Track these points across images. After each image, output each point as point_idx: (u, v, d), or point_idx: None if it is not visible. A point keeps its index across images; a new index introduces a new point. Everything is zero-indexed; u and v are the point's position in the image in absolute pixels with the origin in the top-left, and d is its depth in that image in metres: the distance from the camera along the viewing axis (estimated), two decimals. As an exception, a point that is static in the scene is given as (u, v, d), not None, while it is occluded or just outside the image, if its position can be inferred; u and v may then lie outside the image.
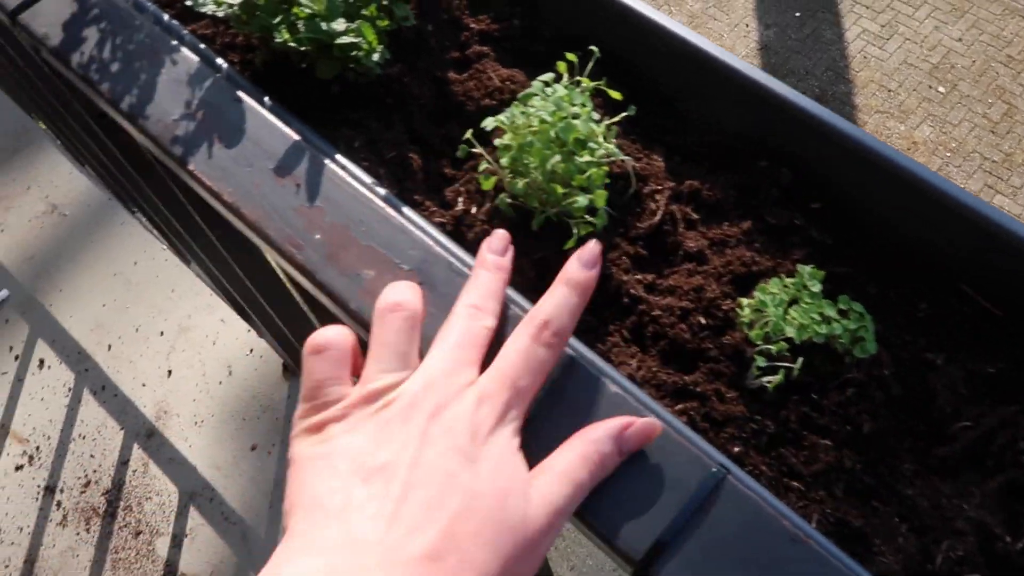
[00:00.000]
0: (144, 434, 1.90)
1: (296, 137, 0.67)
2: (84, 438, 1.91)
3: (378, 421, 0.49)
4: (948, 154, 4.20)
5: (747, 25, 4.85)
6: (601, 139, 0.68)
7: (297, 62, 0.75)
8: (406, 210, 0.64)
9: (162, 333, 1.96)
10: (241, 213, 0.64)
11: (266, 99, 0.72)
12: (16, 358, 1.96)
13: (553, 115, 0.67)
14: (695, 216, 0.70)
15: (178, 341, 1.94)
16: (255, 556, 1.72)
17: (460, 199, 0.71)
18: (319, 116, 0.74)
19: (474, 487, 0.46)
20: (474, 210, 0.71)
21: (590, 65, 0.72)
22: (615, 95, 0.72)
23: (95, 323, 2.02)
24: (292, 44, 0.71)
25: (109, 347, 1.97)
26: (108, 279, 2.01)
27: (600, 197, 0.66)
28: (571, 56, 0.73)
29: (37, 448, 1.91)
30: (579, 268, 0.55)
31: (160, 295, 1.99)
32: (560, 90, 0.68)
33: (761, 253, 0.67)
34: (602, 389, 0.53)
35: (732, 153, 0.72)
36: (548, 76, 0.70)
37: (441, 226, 0.70)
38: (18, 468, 1.88)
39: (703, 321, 0.65)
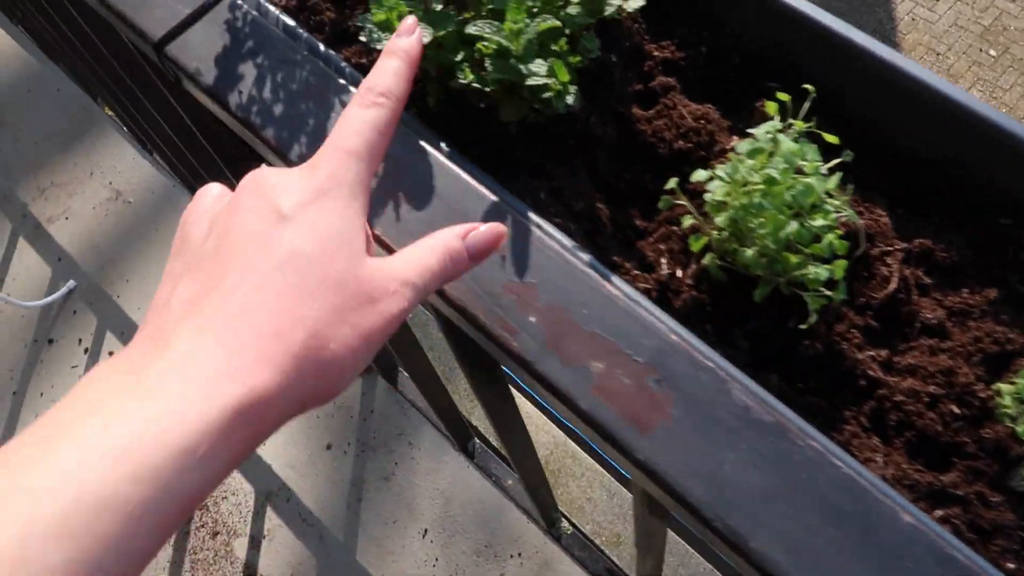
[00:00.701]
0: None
1: (493, 198, 0.59)
2: (159, 435, 1.85)
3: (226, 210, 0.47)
4: (999, 121, 4.04)
5: (791, -14, 4.65)
6: (833, 198, 0.59)
7: (475, 101, 0.66)
8: (618, 282, 0.56)
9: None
10: (443, 291, 0.56)
11: (443, 145, 0.64)
12: (86, 351, 1.90)
13: (783, 173, 0.58)
14: (928, 280, 0.62)
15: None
16: (334, 559, 1.67)
17: (663, 260, 0.63)
18: (496, 160, 0.66)
19: (290, 242, 0.44)
20: (679, 273, 0.63)
21: (806, 106, 0.64)
22: (831, 139, 0.64)
23: (165, 314, 1.94)
24: (476, 85, 0.63)
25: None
26: (176, 267, 1.93)
27: (840, 268, 0.58)
28: (783, 96, 0.64)
29: (111, 445, 1.85)
30: (395, 39, 0.53)
31: (230, 284, 1.91)
32: (787, 143, 0.60)
33: (1012, 327, 0.59)
34: (865, 498, 0.46)
35: (967, 206, 0.64)
36: (771, 125, 0.61)
37: (646, 292, 0.62)
38: (92, 465, 1.82)
39: (956, 410, 0.57)
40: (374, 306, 0.44)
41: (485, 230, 0.50)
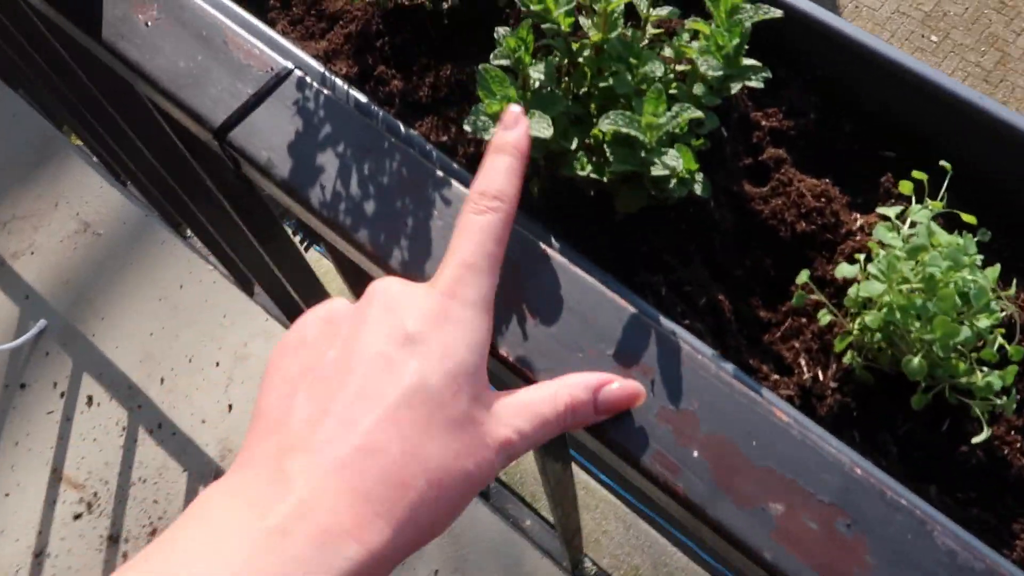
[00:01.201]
0: (211, 475, 1.75)
1: (631, 309, 0.52)
2: (145, 481, 1.75)
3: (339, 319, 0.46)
4: (944, 106, 4.09)
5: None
6: (996, 293, 0.54)
7: (585, 189, 0.59)
8: (785, 407, 0.50)
9: (218, 364, 1.78)
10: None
11: (554, 241, 0.57)
12: (62, 395, 1.77)
13: (947, 272, 0.53)
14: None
15: (236, 371, 1.77)
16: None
17: (802, 361, 0.57)
18: (609, 251, 0.59)
19: (417, 371, 0.42)
20: (821, 374, 0.57)
21: (944, 186, 0.58)
22: (969, 219, 0.59)
23: (144, 354, 1.84)
24: (593, 176, 0.56)
25: (162, 380, 1.79)
26: (153, 304, 1.82)
27: (1011, 374, 0.52)
28: (919, 175, 0.58)
29: (95, 494, 1.75)
30: (502, 132, 0.51)
31: (212, 321, 1.81)
32: (944, 234, 0.54)
33: None
34: None
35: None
36: (921, 215, 0.55)
37: (789, 399, 0.56)
38: (77, 517, 1.72)
39: None
40: (487, 453, 0.42)
41: (620, 389, 0.47)
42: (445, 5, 0.67)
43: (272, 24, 0.71)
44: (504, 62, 0.55)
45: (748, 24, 0.52)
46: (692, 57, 0.57)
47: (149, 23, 0.64)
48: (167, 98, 0.62)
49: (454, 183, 0.57)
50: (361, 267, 0.59)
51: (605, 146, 0.55)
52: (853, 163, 0.64)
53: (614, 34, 0.58)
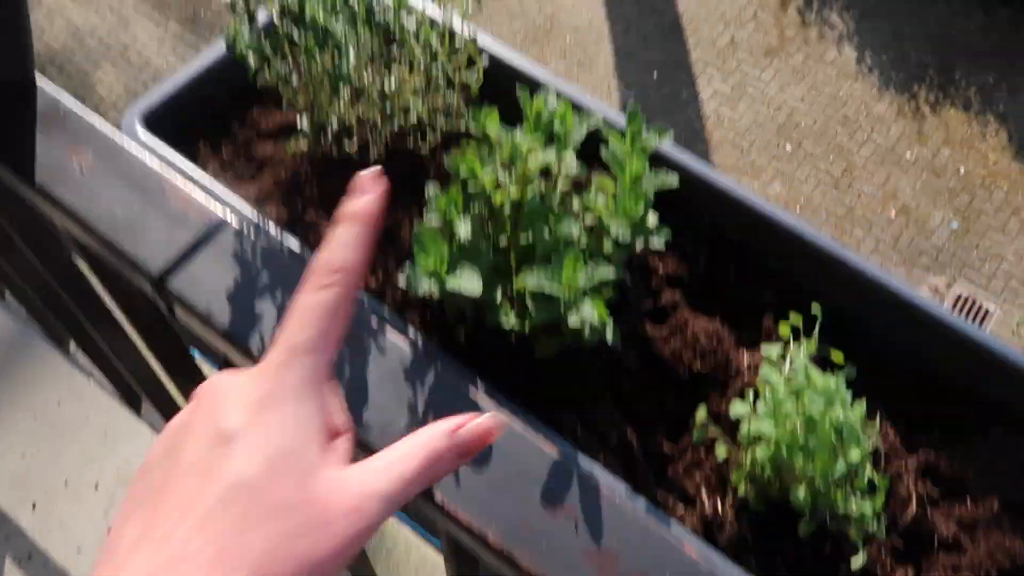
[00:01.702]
0: (88, 601, 1.65)
1: (555, 455, 0.57)
2: (16, 611, 1.64)
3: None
4: (798, 208, 4.43)
5: (609, 85, 4.95)
6: (862, 428, 0.62)
7: (508, 336, 0.65)
8: (677, 528, 0.56)
9: (97, 486, 1.71)
10: (515, 560, 0.53)
11: (480, 383, 0.61)
12: (-74, 516, 1.66)
13: (823, 412, 0.60)
14: (936, 493, 0.66)
15: (118, 493, 1.70)
16: None
17: (703, 493, 0.64)
18: (527, 392, 0.65)
19: (234, 470, 0.40)
20: (720, 505, 0.63)
21: (816, 330, 0.67)
22: (838, 358, 0.67)
23: (14, 478, 1.75)
24: (515, 327, 0.61)
25: (34, 506, 1.71)
26: (27, 423, 1.74)
27: (879, 501, 0.60)
28: (795, 318, 0.67)
29: (-41, 626, 1.62)
30: (351, 201, 0.48)
31: (92, 440, 1.74)
32: (819, 377, 0.62)
33: (1014, 536, 0.64)
34: None
35: (963, 417, 0.69)
36: (801, 360, 0.63)
37: (693, 529, 0.62)
38: (-64, 650, 1.59)
39: (988, 630, 0.60)
40: (329, 528, 0.40)
41: (476, 427, 0.46)
42: (371, 157, 0.72)
43: (204, 166, 0.74)
44: (435, 220, 0.61)
45: (651, 194, 0.59)
46: (600, 215, 0.64)
47: (84, 169, 0.67)
48: (104, 246, 0.64)
49: (388, 330, 0.61)
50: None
51: (527, 298, 0.61)
52: (739, 304, 0.72)
53: (531, 192, 0.65)
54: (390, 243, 0.71)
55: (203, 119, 0.77)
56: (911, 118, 4.84)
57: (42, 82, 0.71)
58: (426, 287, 0.59)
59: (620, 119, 0.74)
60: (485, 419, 0.46)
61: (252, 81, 0.65)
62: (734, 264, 0.73)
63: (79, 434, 1.74)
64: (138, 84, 4.24)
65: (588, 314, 0.59)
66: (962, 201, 4.43)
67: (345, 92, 0.63)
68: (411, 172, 0.73)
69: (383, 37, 0.63)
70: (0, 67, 0.68)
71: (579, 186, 0.74)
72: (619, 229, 0.59)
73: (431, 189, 0.63)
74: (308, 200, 0.72)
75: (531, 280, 0.57)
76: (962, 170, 4.55)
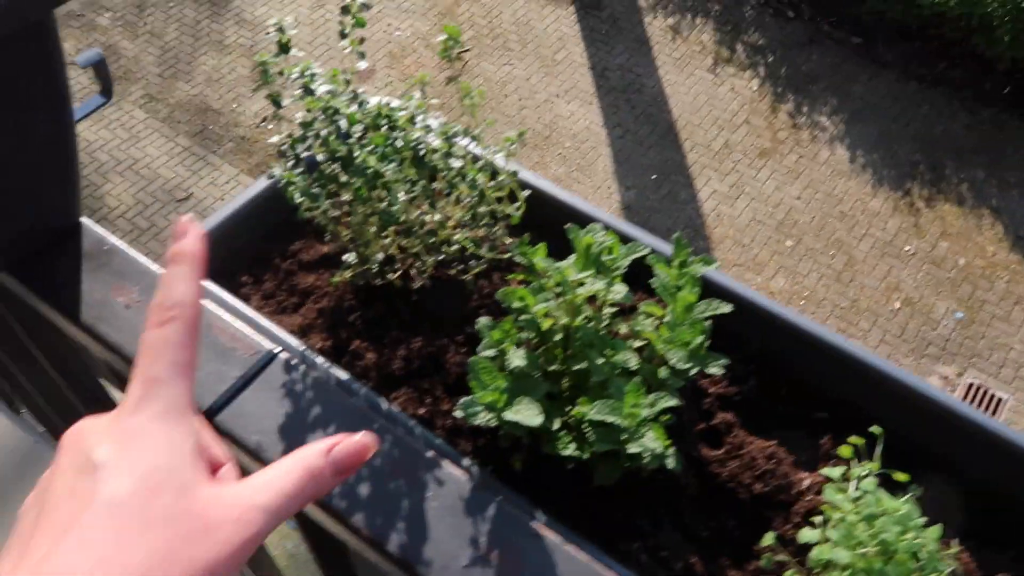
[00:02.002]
0: None
1: (623, 588, 0.55)
2: None
3: None
4: (802, 302, 4.45)
5: (609, 187, 5.04)
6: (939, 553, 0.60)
7: (565, 462, 0.63)
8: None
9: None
10: None
11: (539, 515, 0.60)
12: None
13: (898, 537, 0.58)
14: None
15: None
16: None
17: (775, 624, 0.61)
18: (587, 519, 0.63)
19: (107, 490, 0.41)
20: (791, 634, 0.61)
21: (878, 451, 0.65)
22: (902, 477, 0.65)
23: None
24: (575, 454, 0.60)
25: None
26: None
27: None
28: (855, 440, 0.65)
29: None
30: (176, 245, 0.50)
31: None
32: (890, 501, 0.60)
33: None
34: None
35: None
36: (870, 483, 0.62)
37: (766, 663, 0.59)
38: None
39: None
40: (212, 535, 0.41)
41: (351, 444, 0.47)
42: (415, 286, 0.72)
43: (247, 299, 0.74)
44: (490, 353, 0.60)
45: (708, 323, 0.59)
46: (653, 342, 0.64)
47: (129, 306, 0.66)
48: (150, 381, 0.63)
49: (444, 463, 0.59)
50: (346, 545, 0.60)
51: (585, 426, 0.60)
52: (793, 423, 0.71)
53: (580, 319, 0.65)
54: (436, 370, 0.70)
55: (245, 252, 0.77)
56: (907, 213, 4.91)
57: (87, 221, 0.72)
58: (484, 419, 0.58)
59: (659, 245, 0.74)
60: (360, 436, 0.47)
61: (295, 217, 0.66)
62: (785, 384, 0.72)
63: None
64: (147, 195, 4.30)
65: (651, 444, 0.58)
66: (964, 291, 4.45)
67: (391, 228, 0.63)
68: (454, 299, 0.72)
69: (429, 176, 0.64)
70: (51, 213, 0.68)
71: (625, 310, 0.74)
72: (677, 357, 0.58)
73: (482, 321, 0.62)
74: (352, 329, 0.72)
75: (594, 411, 0.56)
76: (961, 261, 4.58)
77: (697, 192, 5.02)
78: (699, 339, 0.58)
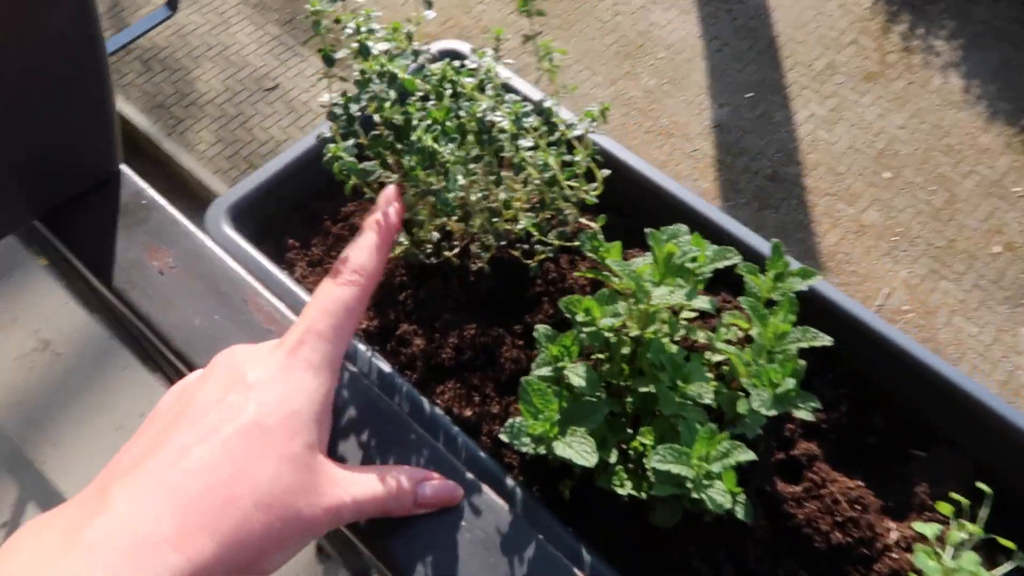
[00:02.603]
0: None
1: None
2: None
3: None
4: (895, 238, 4.23)
5: (700, 103, 4.81)
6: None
7: (618, 496, 0.56)
8: None
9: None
10: None
11: (585, 553, 0.53)
12: (4, 526, 1.67)
13: (995, 625, 0.50)
14: None
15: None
16: None
17: None
18: (639, 556, 0.56)
19: (255, 412, 0.43)
20: None
21: (985, 511, 0.56)
22: (1008, 544, 0.56)
23: (96, 487, 1.72)
24: (632, 492, 0.53)
25: (114, 516, 1.67)
26: (109, 434, 1.73)
27: None
28: (958, 498, 0.56)
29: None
30: (377, 211, 0.53)
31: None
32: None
33: None
34: None
35: None
36: (971, 561, 0.53)
37: None
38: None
39: None
40: (317, 500, 0.43)
41: (440, 488, 0.49)
42: (474, 267, 0.64)
43: (291, 266, 0.68)
44: (545, 371, 0.52)
45: (802, 363, 0.50)
46: (737, 371, 0.55)
47: (163, 271, 0.61)
48: (179, 358, 0.57)
49: (484, 489, 0.53)
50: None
51: (646, 465, 0.52)
52: (885, 460, 0.62)
53: (652, 329, 0.56)
54: (488, 363, 0.63)
55: (294, 212, 0.70)
56: (1020, 151, 4.58)
57: (127, 170, 0.66)
58: (530, 449, 0.51)
59: (756, 242, 0.65)
60: (446, 485, 0.50)
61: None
62: (881, 414, 0.63)
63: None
64: (235, 82, 4.27)
65: (719, 497, 0.50)
66: (1073, 242, 4.17)
67: (454, 202, 0.55)
68: (515, 283, 0.65)
69: (494, 152, 0.55)
70: (86, 160, 0.62)
71: (706, 316, 0.65)
72: (760, 400, 0.50)
73: (540, 330, 0.54)
74: (401, 309, 0.65)
75: (657, 458, 0.49)
76: (1074, 209, 4.27)
77: (794, 114, 4.76)
78: (790, 382, 0.49)
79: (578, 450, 0.49)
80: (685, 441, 0.50)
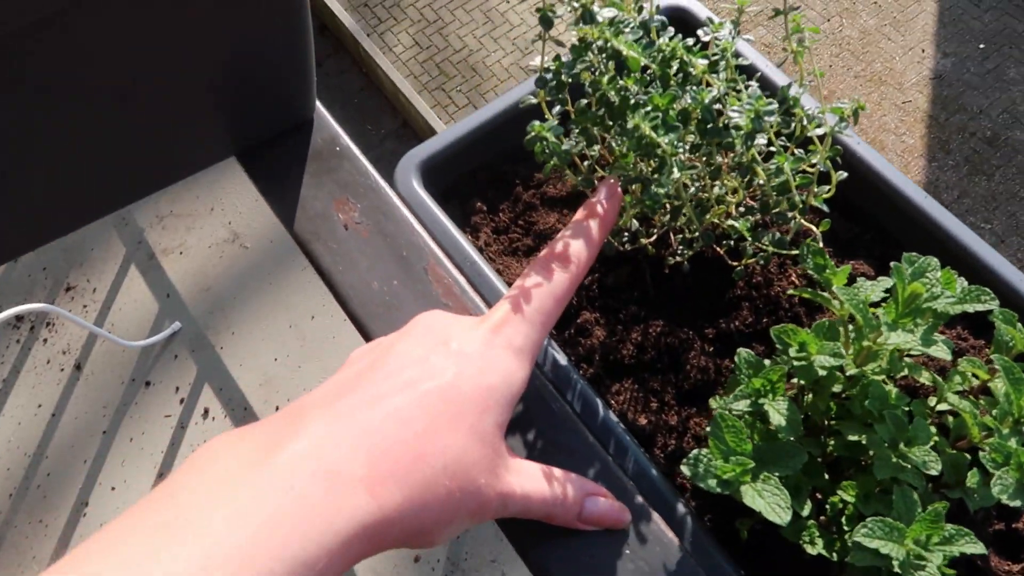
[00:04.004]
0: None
1: None
2: (245, 507, 1.72)
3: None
4: None
5: (923, 51, 4.38)
6: None
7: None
8: None
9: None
10: None
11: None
12: (181, 401, 1.78)
13: None
14: None
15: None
16: None
17: None
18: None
19: (455, 376, 0.42)
20: None
21: None
22: None
23: (264, 378, 1.82)
24: (822, 552, 0.47)
25: (276, 408, 1.76)
26: (283, 330, 1.80)
27: None
28: None
29: (195, 510, 1.72)
30: (596, 202, 0.50)
31: (335, 358, 1.77)
32: None
33: None
34: None
35: None
36: None
37: None
38: (173, 526, 1.70)
39: None
40: (495, 483, 0.41)
41: (607, 508, 0.46)
42: (671, 260, 0.58)
43: (476, 230, 0.64)
44: (742, 405, 0.46)
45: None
46: (963, 416, 0.47)
47: (348, 226, 0.58)
48: (354, 322, 0.55)
49: (654, 516, 0.48)
50: None
51: (844, 525, 0.46)
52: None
53: (872, 366, 0.49)
54: (672, 367, 0.57)
55: (484, 172, 0.66)
56: None
57: (324, 113, 0.63)
58: (715, 490, 0.45)
59: (1018, 280, 0.55)
60: (615, 506, 0.47)
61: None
62: None
63: (323, 350, 1.78)
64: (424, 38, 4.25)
65: (929, 577, 0.43)
66: None
67: (665, 197, 0.49)
68: (714, 282, 0.58)
69: (717, 145, 0.48)
70: (285, 104, 0.60)
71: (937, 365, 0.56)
72: (1001, 485, 0.42)
73: (743, 355, 0.48)
74: (585, 294, 0.60)
75: (862, 532, 0.42)
76: None
77: (1031, 73, 4.28)
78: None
79: (770, 502, 0.43)
80: (898, 512, 0.43)
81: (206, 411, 1.79)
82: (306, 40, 0.54)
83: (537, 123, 0.49)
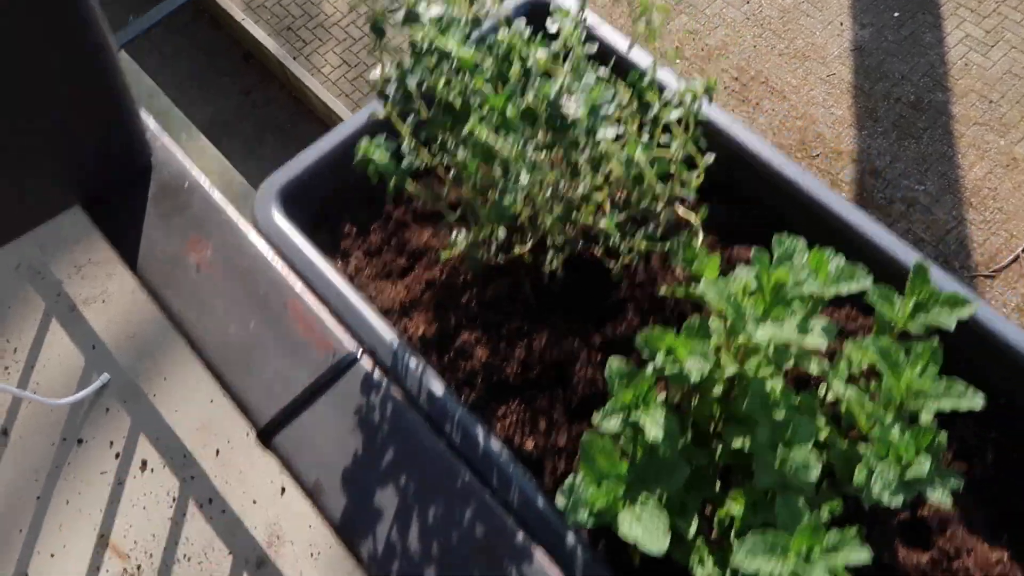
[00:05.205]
0: (254, 562, 1.65)
1: None
2: (189, 560, 1.66)
3: None
4: (1050, 178, 3.82)
5: (841, 23, 4.43)
6: None
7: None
8: None
9: (277, 440, 1.67)
10: None
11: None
12: (117, 455, 1.69)
13: None
14: None
15: (295, 450, 1.65)
16: None
17: None
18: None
19: None
20: None
21: None
22: None
23: (202, 422, 1.74)
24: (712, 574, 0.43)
25: (217, 452, 1.69)
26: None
27: None
28: None
29: (139, 567, 1.66)
30: None
31: (275, 393, 1.70)
32: None
33: None
34: None
35: None
36: None
37: None
38: (120, 587, 1.63)
39: None
40: None
41: None
42: (547, 267, 0.54)
43: (346, 255, 0.60)
44: (613, 424, 0.43)
45: (943, 434, 0.38)
46: (851, 408, 0.44)
47: (201, 267, 0.54)
48: (211, 372, 0.51)
49: (536, 554, 0.44)
50: None
51: (733, 544, 0.42)
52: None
53: (752, 363, 0.46)
54: (559, 382, 0.54)
55: (353, 192, 0.62)
56: None
57: (172, 147, 0.59)
58: (586, 522, 0.42)
59: (903, 254, 0.52)
60: None
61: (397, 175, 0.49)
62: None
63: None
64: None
65: (823, 587, 0.40)
66: None
67: (514, 206, 0.45)
68: (594, 286, 0.55)
69: (573, 143, 0.45)
70: (115, 147, 0.55)
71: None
72: (881, 483, 0.39)
73: (614, 366, 0.44)
74: (464, 312, 0.56)
75: (743, 551, 0.39)
76: None
77: (945, 36, 4.33)
78: (924, 463, 0.38)
79: (647, 527, 0.40)
80: (783, 522, 0.40)
81: (144, 463, 1.71)
82: (119, 89, 0.49)
83: (364, 142, 0.45)
